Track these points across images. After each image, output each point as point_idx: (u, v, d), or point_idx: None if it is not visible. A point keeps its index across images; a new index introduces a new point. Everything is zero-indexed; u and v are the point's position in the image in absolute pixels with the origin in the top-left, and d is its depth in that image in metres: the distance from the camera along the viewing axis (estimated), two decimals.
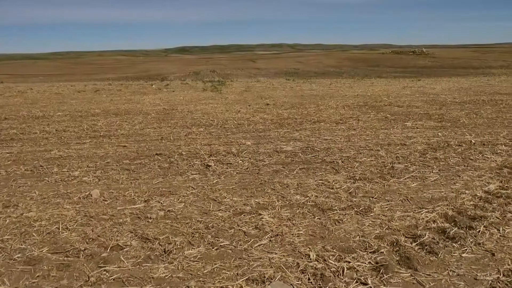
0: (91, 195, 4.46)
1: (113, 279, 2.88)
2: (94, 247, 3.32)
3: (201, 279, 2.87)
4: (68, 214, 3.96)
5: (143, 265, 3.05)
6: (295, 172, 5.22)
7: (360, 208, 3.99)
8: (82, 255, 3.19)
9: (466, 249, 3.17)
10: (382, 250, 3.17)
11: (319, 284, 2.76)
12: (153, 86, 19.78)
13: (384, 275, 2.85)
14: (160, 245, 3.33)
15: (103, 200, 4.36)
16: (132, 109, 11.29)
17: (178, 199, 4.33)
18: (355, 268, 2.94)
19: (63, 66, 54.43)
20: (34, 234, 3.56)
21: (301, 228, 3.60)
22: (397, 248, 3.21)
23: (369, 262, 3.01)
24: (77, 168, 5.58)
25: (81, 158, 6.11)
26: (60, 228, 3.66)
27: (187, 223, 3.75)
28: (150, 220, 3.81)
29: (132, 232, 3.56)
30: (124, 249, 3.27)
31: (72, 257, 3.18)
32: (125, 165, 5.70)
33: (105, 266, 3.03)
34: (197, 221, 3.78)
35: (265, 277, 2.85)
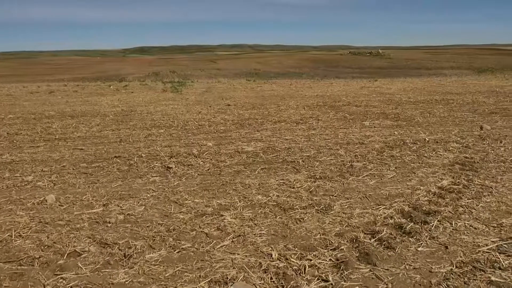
0: (46, 200, 4.30)
1: (71, 287, 2.79)
2: (49, 254, 3.20)
3: (162, 283, 2.82)
4: (22, 221, 3.79)
5: (102, 271, 2.96)
6: (256, 172, 5.24)
7: (321, 207, 4.05)
8: (37, 263, 3.06)
9: (421, 243, 3.29)
10: (342, 247, 3.24)
11: (282, 283, 2.79)
12: (111, 87, 19.30)
13: (345, 271, 2.91)
14: (119, 249, 3.25)
15: (59, 205, 4.21)
16: (89, 111, 10.97)
17: (138, 202, 4.25)
18: (317, 265, 2.99)
19: (14, 66, 52.12)
20: None
21: (263, 228, 3.62)
22: (357, 245, 3.29)
23: (330, 259, 3.07)
24: (31, 172, 5.36)
25: (35, 162, 5.88)
26: (13, 236, 3.50)
27: (147, 226, 3.68)
28: (109, 225, 3.72)
29: (90, 238, 3.46)
30: (82, 255, 3.17)
31: (26, 265, 3.05)
32: (82, 168, 5.53)
33: (61, 274, 2.92)
34: (158, 224, 3.72)
35: (227, 278, 2.84)
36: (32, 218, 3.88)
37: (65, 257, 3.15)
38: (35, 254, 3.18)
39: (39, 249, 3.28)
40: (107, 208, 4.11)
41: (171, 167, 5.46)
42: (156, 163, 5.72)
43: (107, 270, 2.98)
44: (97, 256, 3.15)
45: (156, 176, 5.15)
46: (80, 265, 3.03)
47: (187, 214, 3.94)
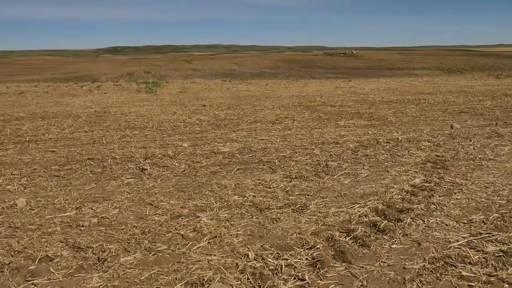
0: (16, 204, 4.18)
1: None
2: (20, 260, 3.11)
3: (138, 286, 2.78)
4: None
5: (75, 275, 2.90)
6: (232, 172, 5.23)
7: (297, 206, 4.08)
8: (7, 269, 2.97)
9: (395, 240, 3.36)
10: (318, 246, 3.27)
11: (258, 283, 2.79)
12: (84, 87, 18.93)
13: (321, 270, 2.93)
14: (93, 253, 3.19)
15: (30, 209, 4.10)
16: (60, 112, 10.72)
17: (112, 205, 4.18)
18: (293, 265, 3.00)
19: None
20: None
21: (239, 228, 3.61)
22: (332, 243, 3.32)
23: (306, 258, 3.09)
24: (0, 176, 5.20)
25: (4, 165, 5.71)
26: None
27: (122, 229, 3.62)
28: (82, 228, 3.64)
29: (62, 242, 3.38)
30: (54, 260, 3.10)
31: None
32: (54, 171, 5.40)
33: (33, 280, 2.85)
34: (133, 226, 3.67)
35: (204, 279, 2.83)
36: (1, 223, 3.76)
37: (36, 263, 3.07)
38: (5, 260, 3.09)
39: (9, 254, 3.18)
40: (80, 211, 4.03)
41: (146, 169, 5.39)
42: (131, 164, 5.64)
43: (81, 274, 2.92)
44: (70, 261, 3.09)
45: (131, 178, 5.08)
46: (52, 270, 2.96)
47: (162, 216, 3.90)
